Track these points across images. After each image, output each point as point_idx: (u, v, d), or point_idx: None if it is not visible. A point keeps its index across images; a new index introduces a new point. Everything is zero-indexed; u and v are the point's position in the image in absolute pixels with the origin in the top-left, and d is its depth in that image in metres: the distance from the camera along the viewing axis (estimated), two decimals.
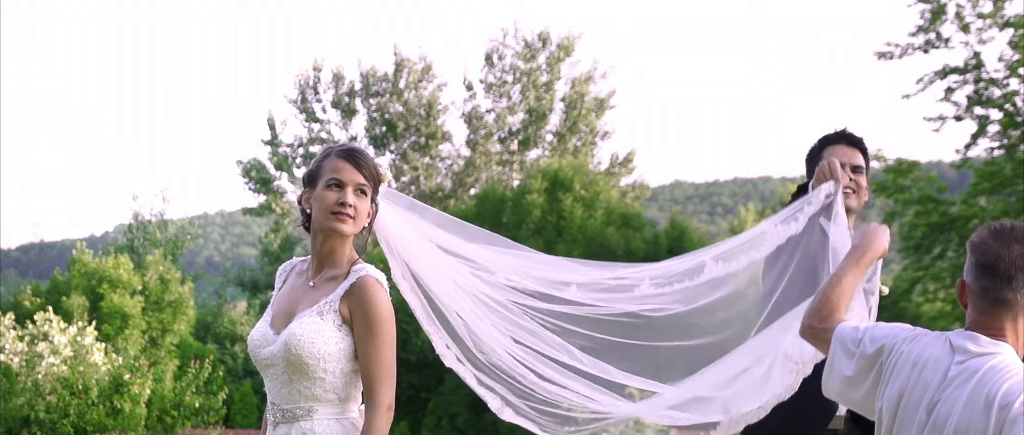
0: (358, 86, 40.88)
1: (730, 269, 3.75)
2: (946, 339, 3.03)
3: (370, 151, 3.65)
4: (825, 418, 4.25)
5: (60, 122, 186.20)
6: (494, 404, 3.72)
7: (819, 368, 4.22)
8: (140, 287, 30.03)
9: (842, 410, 4.34)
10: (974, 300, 3.02)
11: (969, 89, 21.05)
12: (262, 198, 40.63)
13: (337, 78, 41.01)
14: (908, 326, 3.17)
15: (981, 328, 2.99)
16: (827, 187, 3.85)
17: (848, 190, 4.45)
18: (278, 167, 40.43)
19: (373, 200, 3.50)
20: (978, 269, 2.99)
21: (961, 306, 3.10)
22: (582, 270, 3.82)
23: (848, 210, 4.50)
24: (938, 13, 20.71)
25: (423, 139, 40.22)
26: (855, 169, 4.42)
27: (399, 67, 40.45)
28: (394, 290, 3.52)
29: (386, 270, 3.58)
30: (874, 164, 22.06)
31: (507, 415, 3.70)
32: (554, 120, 40.70)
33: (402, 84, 40.46)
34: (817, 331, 3.39)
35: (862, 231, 3.71)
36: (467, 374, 3.74)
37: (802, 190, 4.22)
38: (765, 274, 4.03)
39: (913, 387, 3.00)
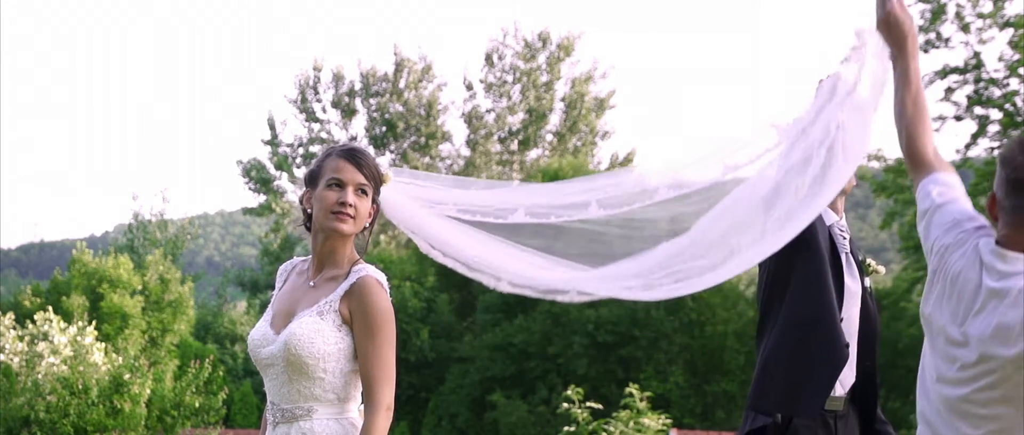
0: (358, 86, 40.90)
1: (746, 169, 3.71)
2: (977, 253, 3.00)
3: (371, 151, 3.65)
4: (833, 373, 4.28)
5: (60, 122, 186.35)
6: (568, 297, 3.72)
7: (824, 332, 4.27)
8: (140, 287, 30.04)
9: (842, 391, 4.36)
10: (1004, 216, 3.00)
11: (969, 89, 21.07)
12: (262, 198, 40.65)
13: (337, 78, 41.03)
14: (965, 219, 3.11)
15: (1012, 243, 2.97)
16: (828, 81, 3.80)
17: None
18: (278, 167, 40.44)
19: (374, 200, 3.51)
20: (1008, 185, 2.98)
21: (991, 218, 3.07)
22: (598, 187, 3.83)
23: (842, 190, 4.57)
24: (938, 13, 20.73)
25: (423, 139, 40.24)
26: None
27: (399, 67, 40.46)
28: (395, 290, 3.53)
29: (386, 271, 3.58)
30: (874, 164, 22.10)
31: (581, 299, 3.72)
32: (554, 120, 40.74)
33: (402, 84, 40.47)
34: (911, 172, 3.35)
35: (875, 29, 3.49)
36: (527, 290, 3.76)
37: None
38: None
39: (946, 301, 3.00)
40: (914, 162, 3.32)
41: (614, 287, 3.67)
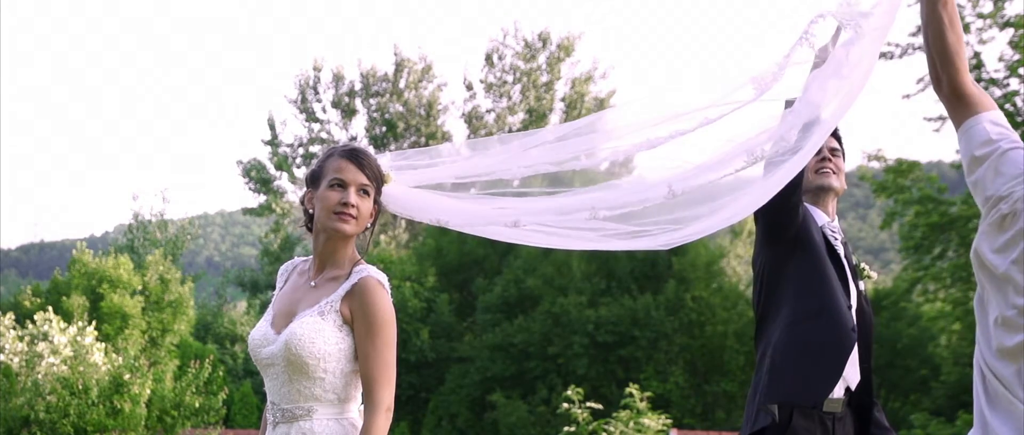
0: (358, 86, 40.89)
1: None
2: None
3: (371, 151, 3.64)
4: (841, 357, 4.30)
5: (60, 122, 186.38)
6: (584, 212, 3.67)
7: (828, 320, 4.28)
8: (140, 287, 30.02)
9: (839, 393, 4.36)
10: None
11: None
12: (262, 198, 40.63)
13: (337, 78, 41.02)
14: None
15: None
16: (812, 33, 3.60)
17: (828, 170, 4.54)
18: (278, 167, 40.42)
19: (376, 200, 3.50)
20: None
21: None
22: (591, 145, 3.77)
23: (830, 191, 4.58)
24: None
25: (423, 139, 40.22)
26: (833, 151, 4.57)
27: (399, 67, 40.45)
28: (395, 290, 3.53)
29: (386, 271, 3.58)
30: (874, 164, 22.09)
31: (598, 224, 3.64)
32: (554, 120, 40.72)
33: (402, 84, 40.46)
34: (948, 106, 2.99)
35: None
36: (544, 215, 3.72)
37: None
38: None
39: (1017, 250, 2.90)
40: (957, 95, 2.97)
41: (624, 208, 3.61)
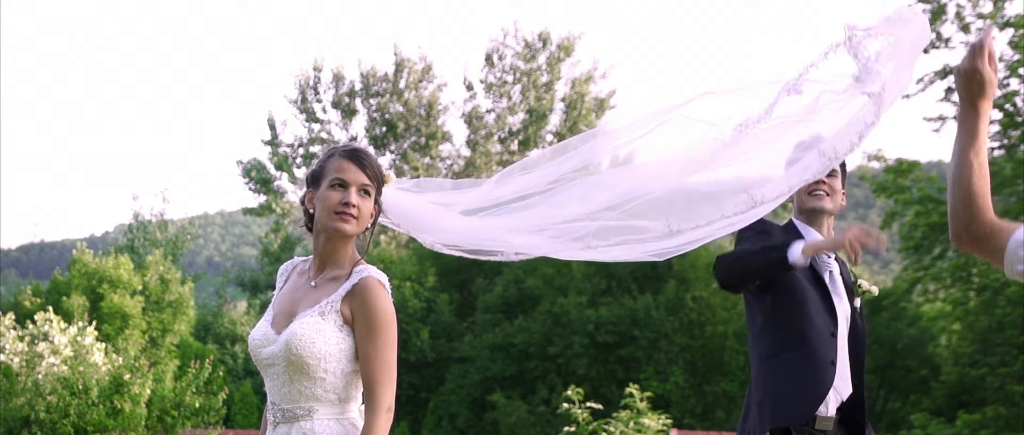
0: (358, 86, 40.88)
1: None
2: None
3: (372, 151, 3.64)
4: (817, 390, 4.33)
5: (60, 122, 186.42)
6: (582, 244, 3.66)
7: (800, 354, 4.30)
8: (140, 287, 30.02)
9: (830, 411, 4.37)
10: None
11: None
12: (262, 198, 40.63)
13: (337, 78, 41.01)
14: None
15: None
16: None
17: (822, 192, 4.50)
18: (278, 167, 40.42)
19: (376, 201, 3.51)
20: None
21: None
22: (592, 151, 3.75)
23: (825, 212, 4.55)
24: (938, 13, 20.70)
25: (423, 139, 40.22)
26: (830, 171, 4.51)
27: (399, 67, 40.44)
28: (395, 290, 3.53)
29: (387, 271, 3.58)
30: (874, 164, 22.09)
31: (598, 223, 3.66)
32: (554, 120, 40.74)
33: (402, 84, 40.45)
34: (977, 248, 2.88)
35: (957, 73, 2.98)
36: (535, 250, 3.70)
37: None
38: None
39: None
40: (987, 234, 2.84)
41: (627, 229, 3.59)
